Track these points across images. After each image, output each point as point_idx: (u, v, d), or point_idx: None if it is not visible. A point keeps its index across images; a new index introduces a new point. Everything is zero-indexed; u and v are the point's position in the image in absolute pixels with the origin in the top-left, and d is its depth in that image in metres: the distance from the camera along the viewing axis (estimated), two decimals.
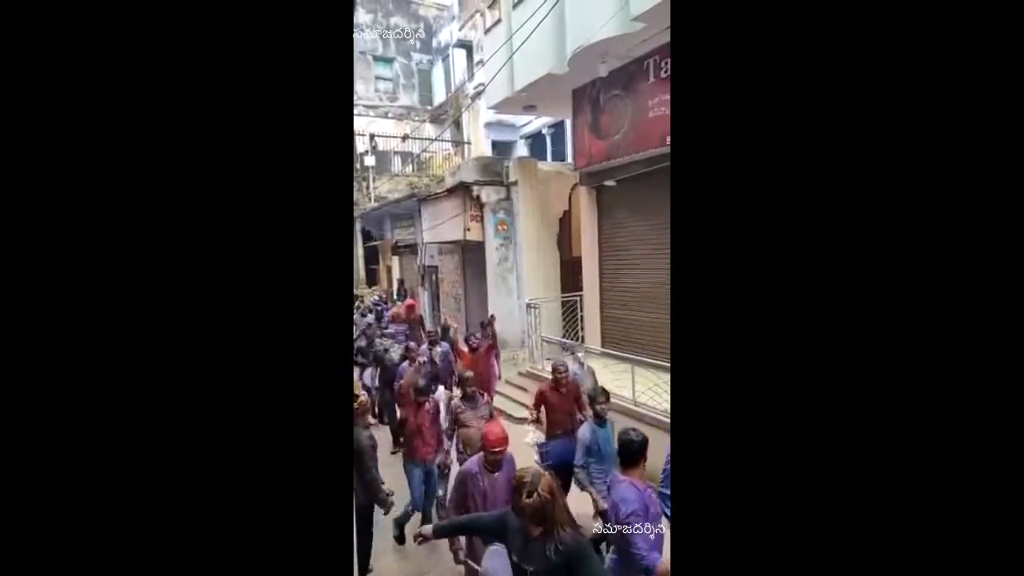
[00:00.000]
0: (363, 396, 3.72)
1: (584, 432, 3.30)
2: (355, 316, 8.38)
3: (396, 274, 13.54)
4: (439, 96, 14.43)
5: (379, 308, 9.01)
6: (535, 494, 1.70)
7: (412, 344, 5.32)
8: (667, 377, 4.39)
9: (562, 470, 3.57)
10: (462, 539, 2.56)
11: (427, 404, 3.77)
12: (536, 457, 3.83)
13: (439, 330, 6.31)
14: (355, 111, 13.12)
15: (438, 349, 5.65)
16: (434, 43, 14.79)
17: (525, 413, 6.16)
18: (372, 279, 14.23)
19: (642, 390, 4.58)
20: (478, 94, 10.40)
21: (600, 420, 3.34)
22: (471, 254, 8.98)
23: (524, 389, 6.45)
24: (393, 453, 5.42)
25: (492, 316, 6.31)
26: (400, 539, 3.73)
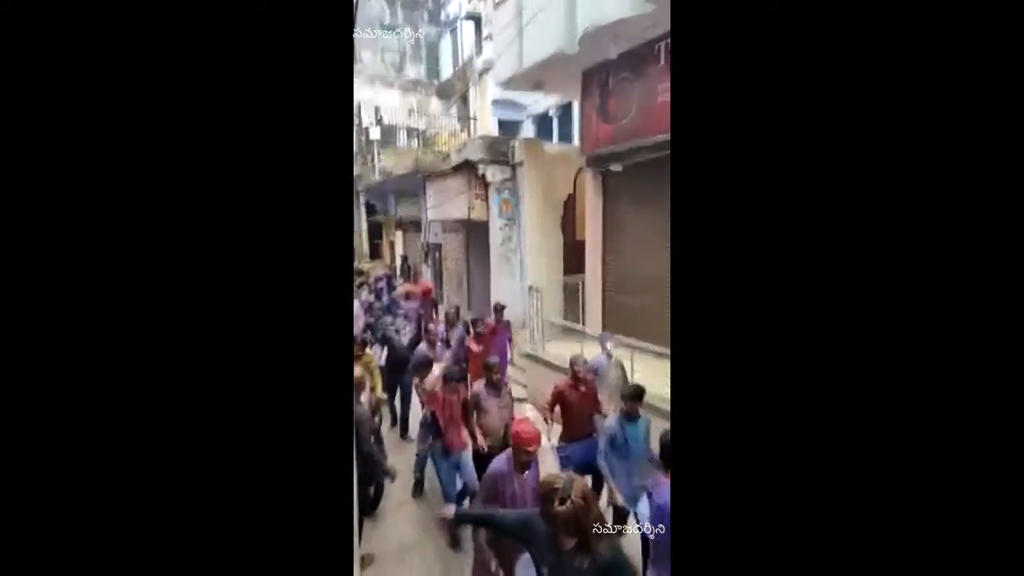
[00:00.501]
0: (357, 370, 3.73)
1: (610, 421, 3.16)
2: (364, 294, 8.19)
3: (399, 250, 13.54)
4: (446, 70, 14.18)
5: (381, 287, 8.74)
6: (568, 501, 1.51)
7: (431, 326, 5.17)
8: (667, 364, 4.44)
9: (585, 475, 3.33)
10: (487, 543, 2.42)
11: (459, 393, 3.65)
12: (555, 463, 3.65)
13: (455, 311, 6.14)
14: (360, 80, 12.91)
15: (455, 332, 5.44)
16: (443, 15, 14.47)
17: (523, 393, 6.28)
18: (375, 253, 14.25)
19: (641, 376, 4.65)
20: (486, 70, 10.23)
21: (631, 416, 3.16)
22: (475, 233, 8.97)
23: (523, 370, 6.54)
24: (393, 427, 5.53)
25: (503, 306, 6.13)
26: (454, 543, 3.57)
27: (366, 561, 3.44)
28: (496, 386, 3.65)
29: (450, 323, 5.68)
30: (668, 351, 4.46)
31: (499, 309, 5.98)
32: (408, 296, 7.53)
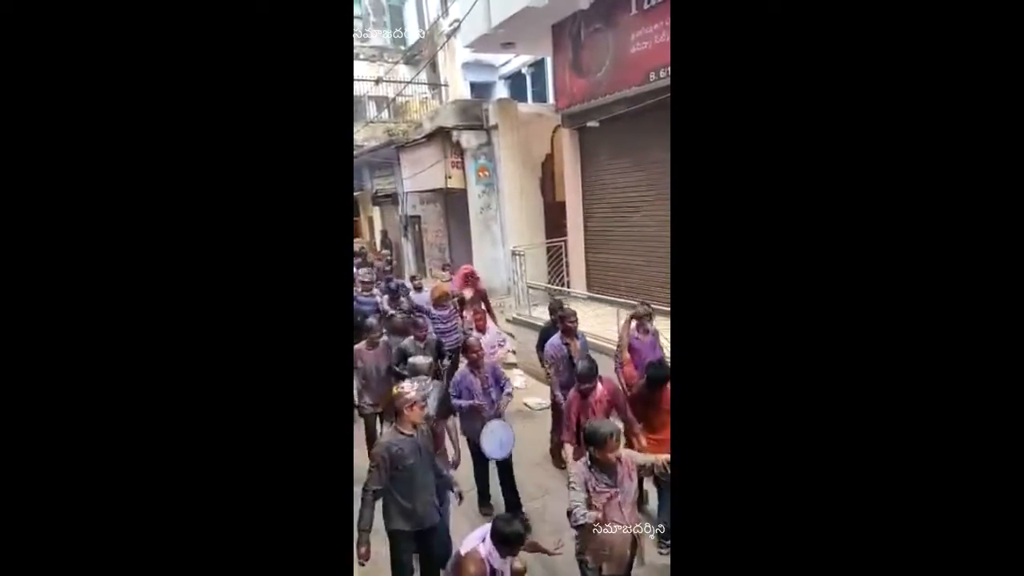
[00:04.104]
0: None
1: None
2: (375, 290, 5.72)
3: (378, 225, 13.31)
4: (412, 34, 13.67)
5: (392, 283, 6.02)
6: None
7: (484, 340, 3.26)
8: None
9: None
10: None
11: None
12: None
13: (559, 307, 3.91)
14: None
15: (578, 342, 3.56)
16: None
17: (513, 359, 6.27)
18: (353, 231, 13.98)
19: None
20: (453, 31, 9.87)
21: None
22: (454, 202, 8.82)
23: (512, 336, 6.54)
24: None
25: (649, 309, 3.64)
26: None
27: None
28: (611, 469, 2.09)
29: (571, 332, 3.57)
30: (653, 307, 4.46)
31: (643, 316, 3.59)
32: (440, 300, 4.63)
